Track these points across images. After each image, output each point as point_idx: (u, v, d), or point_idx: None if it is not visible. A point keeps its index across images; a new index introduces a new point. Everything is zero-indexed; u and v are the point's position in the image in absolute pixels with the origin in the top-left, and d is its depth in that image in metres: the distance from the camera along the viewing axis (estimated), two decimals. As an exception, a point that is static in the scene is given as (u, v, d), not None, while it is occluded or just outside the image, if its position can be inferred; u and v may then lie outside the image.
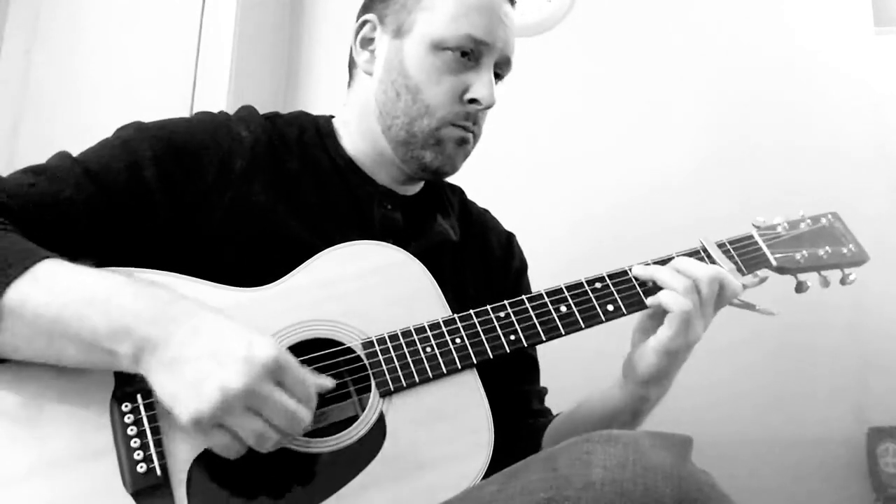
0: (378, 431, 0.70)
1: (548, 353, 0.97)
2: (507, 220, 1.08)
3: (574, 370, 1.15)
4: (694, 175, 1.55)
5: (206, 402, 0.57)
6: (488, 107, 0.85)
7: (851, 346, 1.40)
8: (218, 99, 1.55)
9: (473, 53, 0.84)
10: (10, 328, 0.62)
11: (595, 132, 1.63)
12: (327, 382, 0.66)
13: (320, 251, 0.77)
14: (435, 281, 0.80)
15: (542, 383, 1.03)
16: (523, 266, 1.05)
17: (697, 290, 0.78)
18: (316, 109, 0.97)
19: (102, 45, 1.65)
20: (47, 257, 0.64)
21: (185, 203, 0.78)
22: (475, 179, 1.07)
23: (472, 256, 0.97)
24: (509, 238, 1.05)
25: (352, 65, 0.95)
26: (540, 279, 0.99)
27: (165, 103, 1.53)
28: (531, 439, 0.92)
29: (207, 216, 0.78)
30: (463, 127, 0.86)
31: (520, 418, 0.95)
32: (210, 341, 0.60)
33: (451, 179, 1.04)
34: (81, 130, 0.79)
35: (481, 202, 1.08)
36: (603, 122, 1.63)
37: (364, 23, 0.91)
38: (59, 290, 0.62)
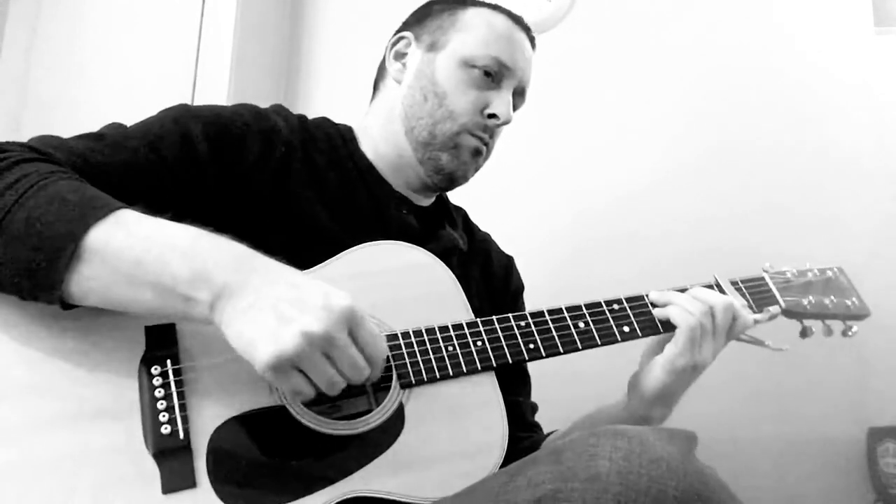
0: (397, 420, 0.73)
1: (546, 370, 0.98)
2: (507, 220, 1.09)
3: (571, 388, 1.15)
4: (693, 175, 1.55)
5: (287, 345, 0.58)
6: (505, 122, 0.93)
7: (851, 346, 1.40)
8: (218, 98, 1.56)
9: (496, 76, 0.93)
10: (91, 269, 0.62)
11: (595, 132, 1.63)
12: (385, 347, 0.67)
13: (343, 242, 0.81)
14: (460, 285, 0.83)
15: (539, 399, 1.06)
16: (520, 288, 1.10)
17: (712, 314, 0.84)
18: (315, 106, 0.98)
19: (102, 44, 1.66)
20: (128, 206, 0.66)
21: (230, 179, 0.82)
22: (474, 178, 1.07)
23: (476, 270, 1.02)
24: (509, 260, 1.10)
25: (379, 77, 1.02)
26: (539, 277, 1.00)
27: (166, 103, 1.52)
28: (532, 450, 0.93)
29: (248, 194, 0.82)
30: (479, 138, 0.93)
31: (515, 428, 0.96)
32: (289, 290, 0.62)
33: (454, 193, 1.06)
34: (82, 130, 0.79)
35: (480, 201, 1.09)
36: (603, 122, 1.63)
37: (400, 38, 0.99)
38: (143, 235, 0.63)
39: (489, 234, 1.11)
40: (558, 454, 0.58)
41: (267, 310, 0.60)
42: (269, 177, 0.84)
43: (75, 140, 0.76)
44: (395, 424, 0.72)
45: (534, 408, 1.05)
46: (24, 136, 0.76)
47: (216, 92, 1.57)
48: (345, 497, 0.68)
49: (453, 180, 0.95)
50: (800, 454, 1.38)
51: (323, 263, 0.79)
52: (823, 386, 1.40)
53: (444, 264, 0.84)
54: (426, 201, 1.01)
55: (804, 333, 0.94)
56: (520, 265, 1.10)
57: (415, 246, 0.84)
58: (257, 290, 0.61)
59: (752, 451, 1.40)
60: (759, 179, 1.51)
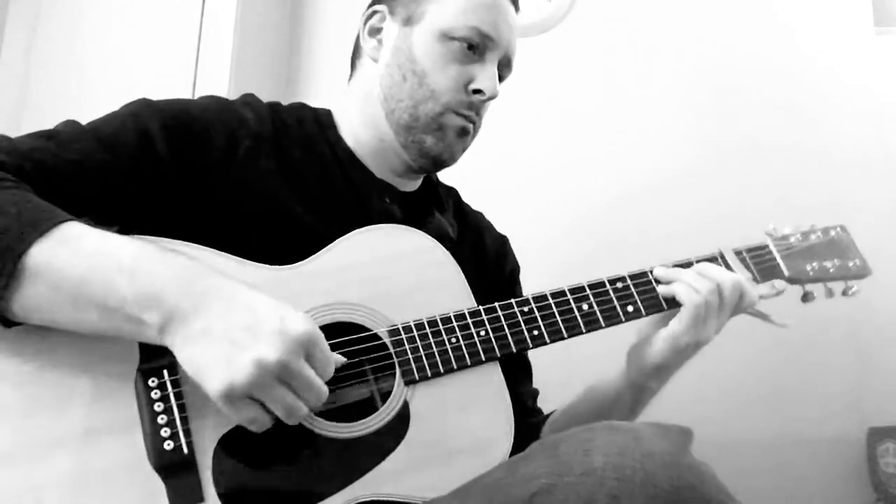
0: (402, 419, 0.71)
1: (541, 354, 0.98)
2: (505, 220, 1.09)
3: (565, 371, 1.15)
4: (693, 175, 1.55)
5: (239, 374, 0.57)
6: (491, 97, 0.87)
7: (851, 345, 1.40)
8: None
9: (479, 48, 0.86)
10: (33, 288, 0.59)
11: (595, 132, 1.63)
12: (341, 359, 0.67)
13: (322, 237, 0.77)
14: (460, 269, 0.80)
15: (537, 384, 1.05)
16: (516, 269, 1.06)
17: (719, 292, 0.82)
18: (317, 102, 0.97)
19: (102, 44, 1.65)
20: (73, 219, 0.62)
21: (192, 177, 0.77)
22: (473, 178, 1.08)
23: (468, 256, 0.97)
24: (503, 241, 1.06)
25: (355, 55, 0.96)
26: (538, 278, 1.00)
27: (165, 103, 1.53)
28: (531, 436, 0.92)
29: (213, 193, 0.78)
30: (465, 116, 0.87)
31: (519, 416, 0.96)
32: (243, 314, 0.59)
33: (450, 179, 1.05)
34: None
35: (479, 201, 1.08)
36: (603, 122, 1.63)
37: (373, 13, 0.92)
38: (87, 252, 0.61)
39: (482, 214, 1.07)
40: (553, 448, 0.58)
41: (219, 335, 0.58)
42: (237, 174, 0.79)
43: (26, 139, 0.72)
44: (400, 424, 0.71)
45: (534, 394, 1.03)
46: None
47: (216, 92, 1.56)
48: (356, 501, 0.67)
49: (440, 163, 0.90)
50: (800, 454, 1.38)
51: (317, 254, 0.76)
52: (823, 386, 1.40)
53: (443, 248, 0.81)
54: (412, 185, 0.96)
55: (806, 298, 0.93)
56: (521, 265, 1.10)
57: (413, 229, 0.81)
58: (209, 313, 0.59)
59: (751, 451, 1.40)
60: (759, 179, 1.51)
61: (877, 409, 1.36)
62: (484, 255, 1.00)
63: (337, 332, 0.73)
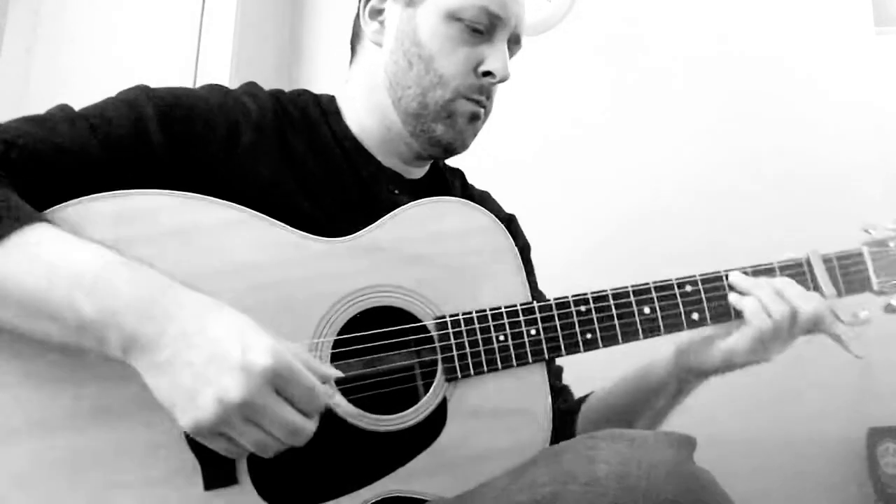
0: (438, 417, 0.70)
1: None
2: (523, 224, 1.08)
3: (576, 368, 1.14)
4: (692, 175, 1.55)
5: (203, 413, 0.54)
6: (503, 80, 0.83)
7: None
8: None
9: (487, 28, 0.82)
10: None
11: (594, 132, 1.63)
12: (333, 372, 0.63)
13: (327, 232, 0.75)
14: (518, 253, 0.77)
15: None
16: (526, 247, 1.02)
17: (793, 321, 0.77)
18: (319, 90, 0.95)
19: (102, 44, 1.65)
20: (38, 221, 0.60)
21: (189, 168, 0.74)
22: (473, 178, 1.07)
23: None
24: (511, 219, 1.03)
25: (356, 38, 0.92)
26: (548, 277, 1.00)
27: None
28: (563, 427, 0.91)
29: (212, 187, 0.74)
30: (476, 101, 0.84)
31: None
32: (205, 345, 0.56)
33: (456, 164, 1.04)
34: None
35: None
36: (603, 122, 1.63)
37: None
38: (47, 261, 0.58)
39: (489, 193, 1.04)
40: (557, 457, 0.58)
41: (182, 368, 0.55)
42: (239, 167, 0.76)
43: (14, 123, 0.69)
44: (436, 421, 0.70)
45: (558, 372, 0.99)
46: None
47: (216, 91, 1.56)
48: (384, 496, 0.67)
49: (451, 151, 0.86)
50: (800, 454, 1.38)
51: (366, 229, 0.73)
52: (823, 386, 1.40)
53: (505, 230, 0.77)
54: (419, 172, 0.93)
55: (889, 309, 0.86)
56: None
57: (474, 205, 0.78)
58: (172, 344, 0.56)
59: (751, 451, 1.40)
60: (758, 178, 1.51)
61: (877, 409, 1.35)
62: None
63: (386, 315, 0.72)
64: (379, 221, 0.74)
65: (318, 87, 0.95)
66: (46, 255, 0.59)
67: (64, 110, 0.73)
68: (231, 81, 1.56)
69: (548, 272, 1.02)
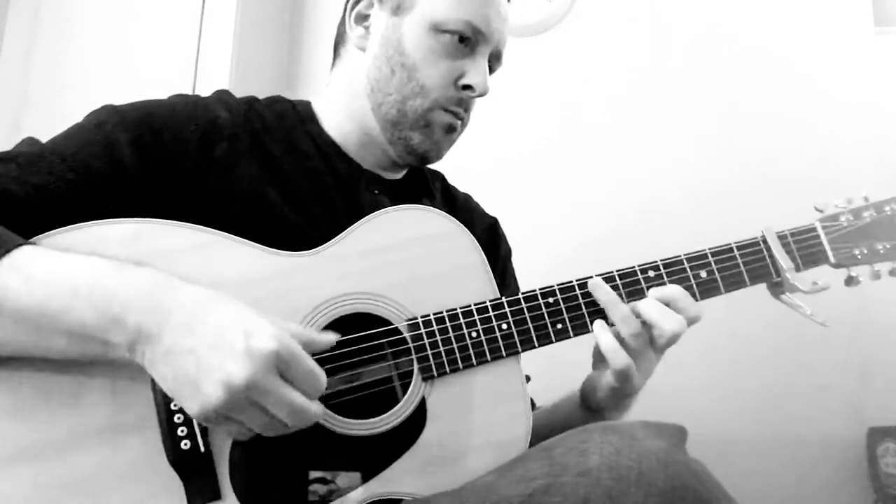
0: (418, 416, 0.71)
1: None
2: (504, 220, 1.08)
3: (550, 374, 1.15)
4: (692, 174, 1.55)
5: (208, 399, 0.55)
6: (482, 94, 0.85)
7: (851, 345, 1.40)
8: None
9: (470, 42, 0.83)
10: None
11: (594, 132, 1.63)
12: (330, 337, 0.64)
13: (310, 237, 0.75)
14: (484, 255, 0.78)
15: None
16: (508, 252, 1.04)
17: (654, 345, 0.76)
18: (318, 91, 0.95)
19: (102, 44, 1.65)
20: (25, 244, 0.61)
21: (166, 187, 0.74)
22: (473, 178, 1.07)
23: None
24: (494, 223, 1.04)
25: (339, 42, 0.93)
26: (530, 277, 0.99)
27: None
28: None
29: (192, 204, 0.75)
30: (453, 113, 0.85)
31: None
32: (207, 332, 0.57)
33: (453, 174, 1.04)
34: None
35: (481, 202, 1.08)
36: (602, 122, 1.63)
37: None
38: (41, 280, 0.59)
39: (470, 196, 1.04)
40: (549, 450, 0.59)
41: (186, 357, 0.56)
42: (213, 178, 0.76)
43: None
44: (416, 421, 0.71)
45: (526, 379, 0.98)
46: (23, 136, 0.75)
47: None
48: (370, 500, 0.67)
49: (426, 160, 0.88)
50: (800, 454, 1.38)
51: (339, 236, 0.75)
52: (823, 386, 1.40)
53: (469, 233, 0.78)
54: (399, 174, 0.94)
55: (850, 282, 0.87)
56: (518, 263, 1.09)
57: (438, 211, 0.79)
58: (174, 332, 0.57)
59: (751, 451, 1.40)
60: (758, 178, 1.51)
61: (877, 409, 1.36)
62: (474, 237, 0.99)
63: (358, 321, 0.72)
64: (344, 232, 0.75)
65: (318, 88, 0.95)
66: (40, 273, 0.59)
67: (33, 146, 0.73)
68: (231, 82, 1.56)
69: (539, 270, 1.02)
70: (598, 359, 0.81)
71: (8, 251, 0.59)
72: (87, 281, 0.59)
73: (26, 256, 0.60)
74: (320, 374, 0.60)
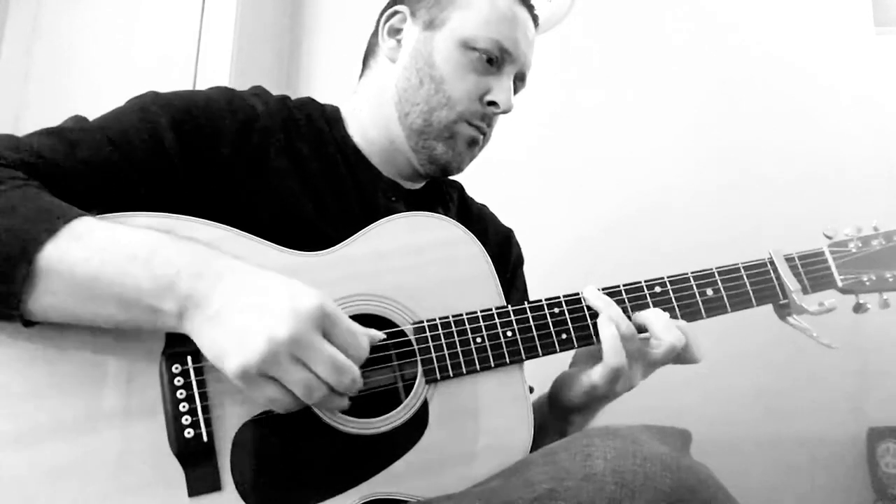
0: (420, 419, 0.71)
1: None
2: (505, 220, 1.08)
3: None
4: (692, 174, 1.55)
5: (252, 353, 0.56)
6: (505, 111, 0.88)
7: (851, 345, 1.40)
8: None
9: (497, 60, 0.87)
10: (49, 287, 0.59)
11: (595, 132, 1.63)
12: (378, 334, 0.66)
13: (327, 235, 0.76)
14: (492, 263, 0.79)
15: None
16: (520, 261, 1.05)
17: (646, 358, 0.75)
18: (317, 96, 0.96)
19: (102, 43, 1.65)
20: (83, 214, 0.63)
21: (202, 173, 0.77)
22: (473, 178, 1.07)
23: None
24: (508, 234, 1.05)
25: (370, 53, 0.96)
26: (537, 276, 1.00)
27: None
28: None
29: (223, 192, 0.77)
30: (477, 127, 0.88)
31: None
32: (254, 293, 0.59)
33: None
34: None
35: (479, 201, 1.08)
36: (603, 121, 1.63)
37: (394, 13, 0.92)
38: (99, 246, 0.60)
39: (486, 207, 1.07)
40: (553, 455, 0.59)
41: (233, 317, 0.58)
42: (246, 168, 0.79)
43: (33, 137, 0.72)
44: (419, 423, 0.71)
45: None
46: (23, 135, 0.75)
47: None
48: (369, 499, 0.67)
49: (447, 171, 0.90)
50: (800, 454, 1.38)
51: (349, 239, 0.76)
52: (823, 386, 1.40)
53: (478, 241, 0.79)
54: (418, 185, 0.97)
55: (858, 309, 0.88)
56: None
57: (448, 219, 0.80)
58: (223, 296, 0.59)
59: (751, 451, 1.40)
60: (757, 178, 1.51)
61: (877, 409, 1.36)
62: (488, 250, 0.99)
63: (364, 323, 0.72)
64: (356, 235, 0.76)
65: (318, 88, 0.96)
66: (98, 240, 0.61)
67: (80, 123, 0.75)
68: (231, 82, 1.56)
69: (539, 271, 1.03)
70: (585, 357, 0.81)
71: (68, 221, 0.61)
72: (144, 250, 0.61)
73: (86, 225, 0.62)
74: (363, 336, 0.61)
